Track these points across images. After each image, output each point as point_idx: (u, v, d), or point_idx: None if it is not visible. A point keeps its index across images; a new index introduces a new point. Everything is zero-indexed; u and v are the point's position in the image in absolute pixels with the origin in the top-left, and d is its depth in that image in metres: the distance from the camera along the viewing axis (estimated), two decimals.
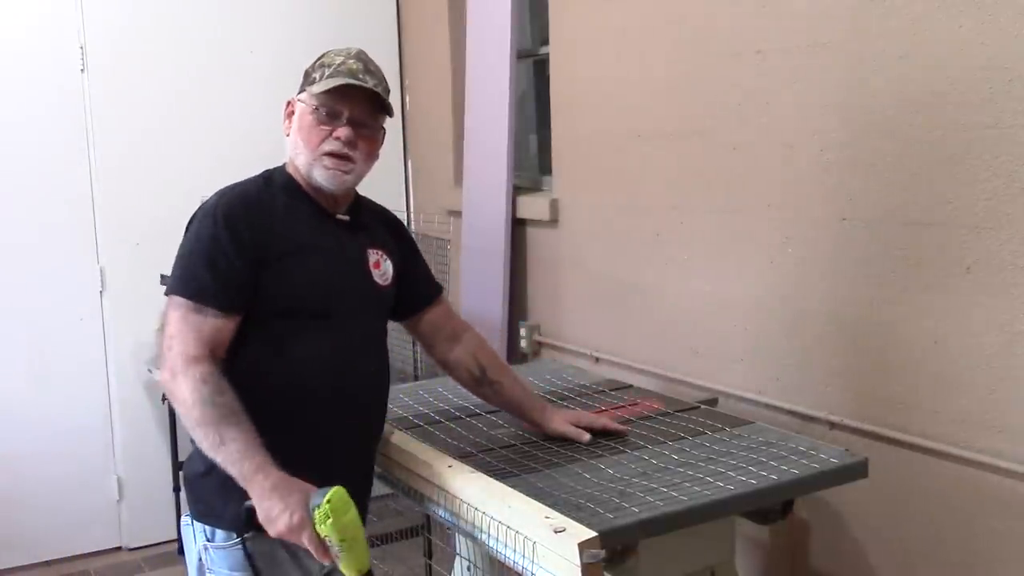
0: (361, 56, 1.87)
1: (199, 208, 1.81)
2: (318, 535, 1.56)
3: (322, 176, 1.82)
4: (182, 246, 1.78)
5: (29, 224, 3.69)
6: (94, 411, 3.85)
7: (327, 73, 1.80)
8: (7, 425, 3.68)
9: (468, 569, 2.38)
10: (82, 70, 3.75)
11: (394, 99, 4.79)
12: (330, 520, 1.54)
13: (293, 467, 1.62)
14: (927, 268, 2.15)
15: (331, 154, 1.81)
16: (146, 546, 3.88)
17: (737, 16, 2.57)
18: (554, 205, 3.41)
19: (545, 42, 3.52)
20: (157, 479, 3.88)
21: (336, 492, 1.55)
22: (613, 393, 2.50)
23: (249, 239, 1.74)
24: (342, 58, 1.83)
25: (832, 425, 2.39)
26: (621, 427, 2.13)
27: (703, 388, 2.76)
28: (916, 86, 2.13)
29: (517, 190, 3.64)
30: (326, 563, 1.62)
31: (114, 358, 3.86)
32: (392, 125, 4.29)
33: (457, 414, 2.33)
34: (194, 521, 1.81)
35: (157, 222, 3.81)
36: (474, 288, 3.80)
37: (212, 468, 1.70)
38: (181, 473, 1.90)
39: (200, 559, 1.80)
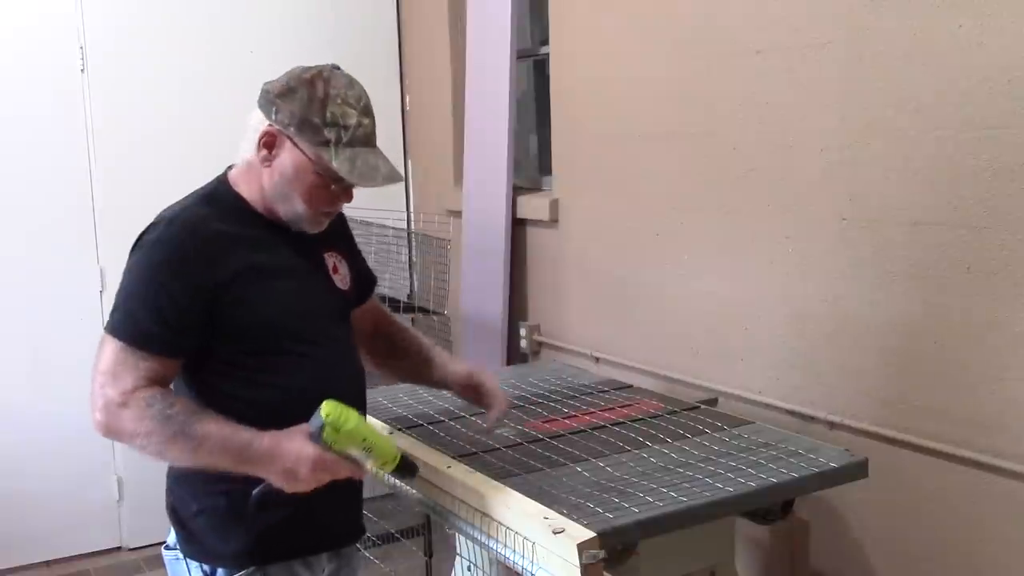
0: (367, 106, 1.69)
1: (142, 236, 1.66)
2: (340, 456, 1.55)
3: (308, 226, 1.72)
4: (124, 277, 1.63)
5: (29, 224, 3.69)
6: None
7: (344, 139, 1.63)
8: (7, 425, 3.67)
9: (468, 569, 2.37)
10: (82, 70, 3.75)
11: (394, 99, 4.78)
12: (339, 432, 1.53)
13: (287, 501, 1.59)
14: (927, 268, 2.15)
15: (330, 213, 1.73)
16: (146, 546, 3.87)
17: (737, 16, 2.57)
18: (554, 205, 3.41)
19: (545, 42, 3.52)
20: (157, 479, 3.80)
21: (326, 408, 1.53)
22: (613, 393, 2.50)
23: (201, 278, 1.60)
24: (355, 116, 1.65)
25: (832, 425, 2.39)
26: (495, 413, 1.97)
27: (703, 388, 2.76)
28: (916, 86, 2.13)
29: (517, 190, 3.64)
30: (365, 475, 1.63)
31: None
32: (392, 125, 4.32)
33: (459, 413, 2.32)
34: (187, 559, 1.72)
35: None
36: (474, 288, 3.80)
37: (205, 508, 1.68)
38: (168, 506, 1.78)
39: None
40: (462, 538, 2.21)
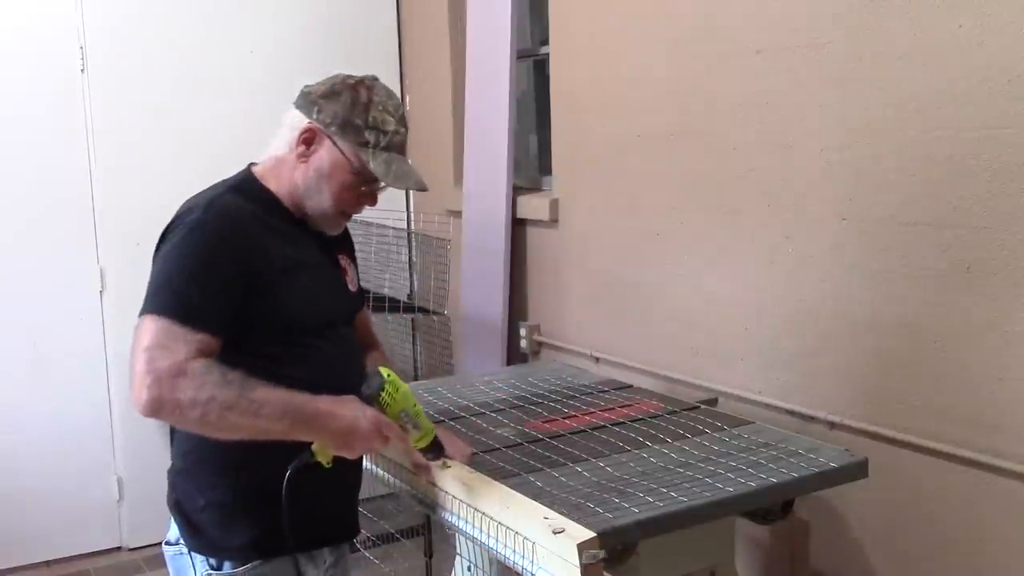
0: (404, 116, 1.78)
1: (178, 221, 1.68)
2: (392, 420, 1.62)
3: (328, 226, 1.78)
4: (164, 260, 1.64)
5: (29, 224, 3.69)
6: (94, 411, 3.84)
7: (382, 143, 1.72)
8: (7, 425, 3.67)
9: (468, 569, 2.38)
10: (82, 70, 3.75)
11: None
12: (397, 391, 1.62)
13: (294, 495, 1.60)
14: (927, 268, 2.15)
15: (351, 214, 1.80)
16: (146, 546, 3.87)
17: (737, 16, 2.57)
18: (554, 205, 3.41)
19: (545, 42, 3.52)
20: (157, 479, 3.80)
21: (383, 370, 1.64)
22: (613, 393, 2.50)
23: (240, 262, 1.62)
24: (393, 123, 1.74)
25: (832, 425, 2.39)
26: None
27: (703, 388, 2.76)
28: (916, 86, 2.13)
29: (517, 190, 3.64)
30: (407, 445, 1.69)
31: (114, 358, 3.85)
32: None
33: (459, 413, 2.33)
34: (192, 552, 1.72)
35: (157, 222, 3.73)
36: (474, 288, 3.80)
37: (211, 502, 1.69)
38: (171, 502, 1.77)
39: None
40: (462, 538, 2.21)
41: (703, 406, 2.38)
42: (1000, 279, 2.01)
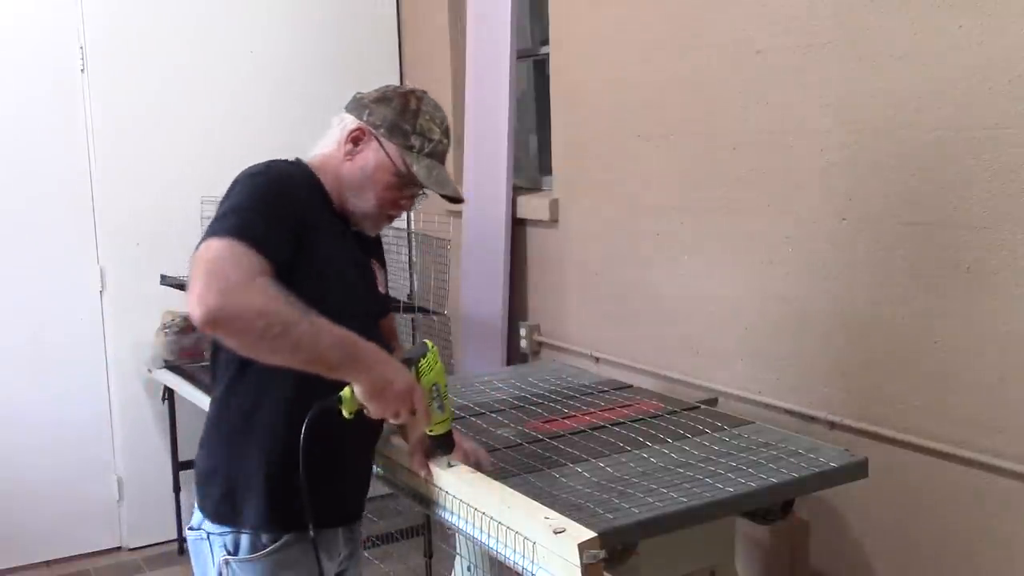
0: (448, 129, 1.86)
1: (239, 177, 1.71)
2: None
3: (367, 225, 1.84)
4: (232, 198, 1.65)
5: (29, 224, 3.69)
6: (94, 411, 3.84)
7: (426, 150, 1.80)
8: (7, 425, 3.67)
9: (468, 569, 2.38)
10: (82, 70, 3.75)
11: None
12: (436, 364, 1.69)
13: (314, 466, 1.62)
14: (927, 268, 2.15)
15: (392, 217, 1.85)
16: (146, 546, 3.87)
17: (737, 16, 2.57)
18: (554, 205, 3.41)
19: (545, 42, 3.52)
20: (157, 479, 3.88)
21: (428, 343, 1.71)
22: (613, 393, 2.50)
23: (298, 214, 1.67)
24: (439, 133, 1.82)
25: (832, 425, 2.39)
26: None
27: (703, 388, 2.76)
28: (916, 86, 2.13)
29: (517, 190, 3.64)
30: (424, 426, 1.73)
31: (114, 358, 3.86)
32: None
33: (459, 413, 2.32)
34: (210, 536, 1.74)
35: (157, 222, 3.82)
36: (474, 288, 3.80)
37: (233, 473, 1.71)
38: (195, 471, 1.80)
39: (221, 575, 1.73)
40: (462, 538, 2.21)
41: (703, 406, 2.38)
42: (1000, 279, 2.01)
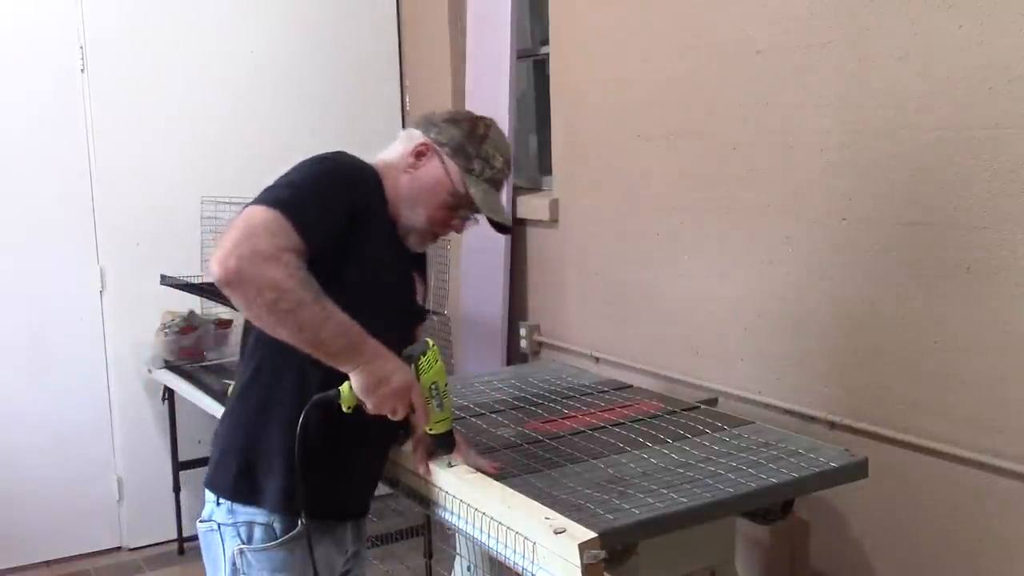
0: (510, 159, 1.92)
1: (311, 158, 1.73)
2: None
3: (414, 240, 1.85)
4: (292, 175, 1.68)
5: (29, 224, 3.69)
6: (94, 411, 3.84)
7: (486, 175, 1.84)
8: (7, 425, 3.67)
9: (468, 569, 2.38)
10: (82, 70, 3.75)
11: (394, 99, 4.77)
12: (435, 363, 1.70)
13: (333, 459, 1.66)
14: (927, 268, 2.15)
15: (437, 235, 1.87)
16: (146, 546, 3.87)
17: (737, 16, 2.57)
18: (554, 205, 3.41)
19: (545, 42, 3.52)
20: (157, 479, 3.88)
21: (430, 342, 1.72)
22: (613, 393, 2.50)
23: (354, 201, 1.70)
24: (501, 162, 1.86)
25: (832, 425, 2.39)
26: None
27: (703, 388, 2.76)
28: (916, 86, 2.13)
29: (517, 190, 3.64)
30: (424, 425, 1.75)
31: (114, 358, 3.85)
32: (392, 125, 4.31)
33: (459, 414, 2.32)
34: (221, 527, 1.74)
35: (157, 222, 3.82)
36: (474, 288, 3.80)
37: (250, 457, 1.72)
38: (212, 450, 1.81)
39: (235, 565, 1.73)
40: (462, 538, 2.21)
41: (703, 406, 2.38)
42: (1000, 279, 2.01)
